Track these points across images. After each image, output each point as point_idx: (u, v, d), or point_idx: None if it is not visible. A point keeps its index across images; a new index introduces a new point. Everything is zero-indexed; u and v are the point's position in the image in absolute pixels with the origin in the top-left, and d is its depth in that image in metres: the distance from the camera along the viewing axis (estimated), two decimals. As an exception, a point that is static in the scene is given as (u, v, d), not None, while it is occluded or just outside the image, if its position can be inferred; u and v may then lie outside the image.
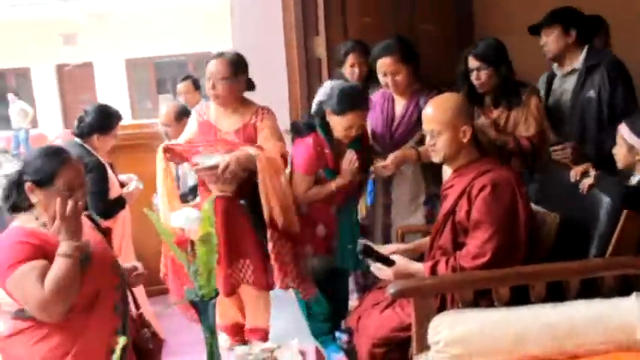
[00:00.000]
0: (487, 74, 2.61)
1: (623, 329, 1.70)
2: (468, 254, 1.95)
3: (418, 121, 2.47)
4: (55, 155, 1.74)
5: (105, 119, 2.86)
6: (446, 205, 2.12)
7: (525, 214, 1.98)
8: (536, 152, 2.60)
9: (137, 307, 2.00)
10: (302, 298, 2.61)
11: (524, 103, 2.62)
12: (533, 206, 2.26)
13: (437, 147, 2.07)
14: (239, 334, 2.63)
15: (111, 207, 2.78)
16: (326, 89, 3.10)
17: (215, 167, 2.32)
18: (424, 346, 1.81)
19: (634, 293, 1.81)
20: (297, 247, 2.51)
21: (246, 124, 2.51)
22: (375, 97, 2.79)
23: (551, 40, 2.69)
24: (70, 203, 1.63)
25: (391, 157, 2.58)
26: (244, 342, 2.50)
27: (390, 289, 1.85)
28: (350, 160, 2.52)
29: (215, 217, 1.76)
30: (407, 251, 2.26)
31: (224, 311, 2.63)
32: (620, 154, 2.13)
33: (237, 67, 2.48)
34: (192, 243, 1.69)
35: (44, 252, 1.65)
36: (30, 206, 1.74)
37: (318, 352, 2.10)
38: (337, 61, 3.19)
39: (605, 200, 2.03)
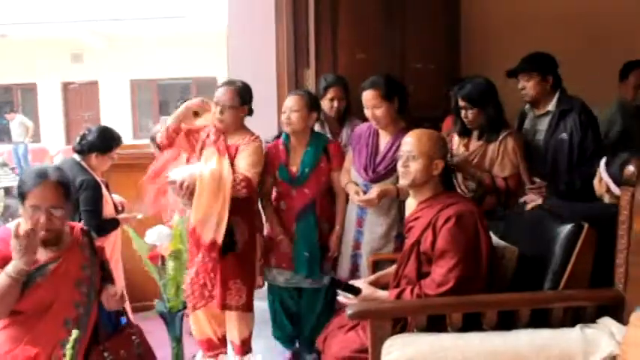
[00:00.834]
0: (473, 114, 2.76)
1: (564, 358, 1.80)
2: (433, 282, 2.04)
3: None
4: (34, 176, 1.91)
5: (106, 140, 3.00)
6: (412, 236, 2.22)
7: (487, 246, 2.09)
8: (510, 193, 2.72)
9: (130, 325, 2.08)
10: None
11: (501, 143, 2.74)
12: (496, 240, 2.38)
13: (409, 169, 2.17)
14: (212, 348, 2.72)
15: (104, 225, 2.86)
16: None
17: (176, 182, 2.45)
18: (378, 367, 1.91)
19: (578, 325, 1.92)
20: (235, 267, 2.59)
21: (231, 145, 2.70)
22: (362, 128, 2.91)
23: (530, 86, 2.87)
24: (24, 225, 1.80)
25: (375, 191, 2.67)
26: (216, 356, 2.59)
27: (348, 311, 1.96)
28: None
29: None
30: (371, 283, 2.33)
31: (200, 327, 2.73)
32: (595, 184, 2.32)
33: (244, 96, 2.74)
34: (163, 258, 1.81)
35: (6, 261, 1.81)
36: None
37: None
38: (317, 93, 3.26)
39: (561, 236, 2.14)
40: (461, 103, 2.79)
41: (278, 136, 2.99)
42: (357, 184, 2.80)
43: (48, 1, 10.37)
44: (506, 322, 1.99)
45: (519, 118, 3.11)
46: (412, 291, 2.07)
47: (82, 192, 2.85)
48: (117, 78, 12.22)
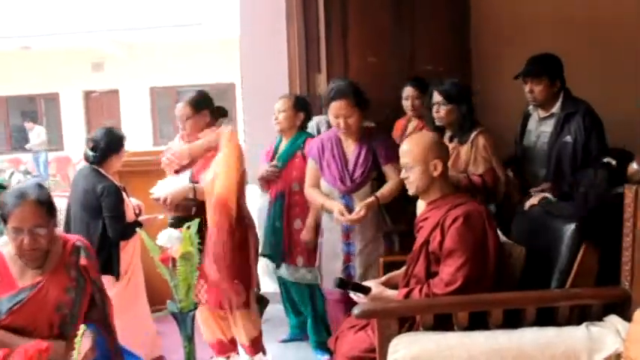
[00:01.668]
0: (446, 110, 2.80)
1: (570, 356, 1.82)
2: (441, 281, 2.07)
3: (373, 162, 2.73)
4: (14, 197, 1.88)
5: (117, 140, 3.07)
6: (421, 236, 2.25)
7: (494, 245, 2.10)
8: (488, 189, 2.74)
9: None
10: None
11: (472, 142, 2.77)
12: (503, 239, 2.40)
13: (410, 180, 2.22)
14: (223, 351, 2.78)
15: (128, 229, 2.94)
16: (313, 124, 3.34)
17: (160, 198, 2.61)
18: (385, 365, 1.94)
19: (584, 323, 1.93)
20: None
21: None
22: (319, 140, 2.90)
23: (539, 90, 2.87)
24: (10, 246, 1.87)
25: (362, 210, 2.67)
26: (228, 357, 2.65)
27: (355, 311, 1.99)
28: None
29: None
30: (381, 284, 2.35)
31: (211, 329, 2.80)
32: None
33: (198, 104, 2.78)
34: (174, 260, 1.87)
35: None
36: None
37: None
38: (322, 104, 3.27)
39: (567, 235, 2.15)
40: (437, 98, 2.82)
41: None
42: (329, 196, 2.81)
43: (68, 12, 10.59)
44: (513, 320, 2.01)
45: (522, 119, 3.12)
46: (421, 290, 2.10)
47: (104, 199, 2.93)
48: (137, 86, 12.45)
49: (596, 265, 2.10)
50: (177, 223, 2.32)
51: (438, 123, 2.87)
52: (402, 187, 2.61)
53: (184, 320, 1.91)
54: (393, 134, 3.43)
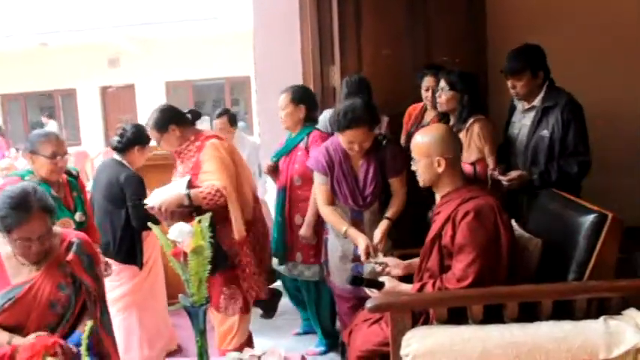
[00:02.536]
0: (447, 97, 2.90)
1: (587, 350, 1.79)
2: (453, 277, 2.04)
3: (382, 176, 2.71)
4: (17, 209, 1.84)
5: (142, 134, 3.13)
6: (433, 229, 2.22)
7: (507, 239, 2.06)
8: (479, 178, 2.74)
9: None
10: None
11: (468, 130, 2.81)
12: (520, 231, 2.36)
13: (418, 172, 2.21)
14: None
15: (150, 218, 2.95)
16: (325, 117, 3.32)
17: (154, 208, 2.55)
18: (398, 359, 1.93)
19: (602, 317, 1.90)
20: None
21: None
22: (325, 154, 2.76)
23: (521, 85, 2.81)
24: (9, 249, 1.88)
25: (381, 240, 2.62)
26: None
27: (368, 304, 1.98)
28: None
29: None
30: (405, 267, 2.38)
31: None
32: None
33: (162, 127, 2.68)
34: (186, 254, 1.87)
35: None
36: None
37: (303, 360, 2.22)
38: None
39: (585, 226, 2.11)
40: (442, 83, 2.93)
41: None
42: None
43: (84, 8, 10.65)
44: (529, 314, 1.98)
45: (509, 110, 3.09)
46: (434, 285, 2.08)
47: (128, 187, 3.01)
48: (152, 80, 12.50)
49: (616, 256, 2.06)
50: None
51: (439, 108, 2.97)
52: (407, 200, 2.72)
53: (196, 314, 1.91)
54: (404, 120, 3.41)
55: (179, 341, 3.50)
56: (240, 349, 2.51)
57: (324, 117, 3.33)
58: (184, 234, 1.82)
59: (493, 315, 1.99)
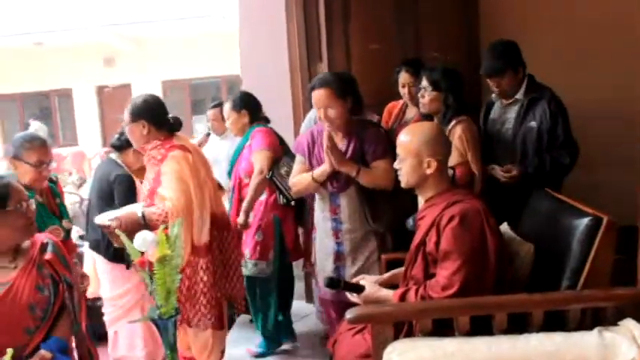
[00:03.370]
0: (430, 97, 2.75)
1: (579, 364, 1.67)
2: (437, 285, 1.93)
3: (361, 159, 2.58)
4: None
5: None
6: (417, 236, 2.11)
7: (494, 245, 1.95)
8: (458, 183, 2.59)
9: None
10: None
11: (450, 131, 2.66)
12: (510, 233, 2.25)
13: (401, 172, 2.08)
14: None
15: None
16: (310, 116, 3.30)
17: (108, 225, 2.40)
18: (380, 373, 1.81)
19: (597, 328, 1.78)
20: None
21: None
22: (313, 133, 2.73)
23: (505, 83, 2.80)
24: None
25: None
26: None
27: (348, 315, 1.86)
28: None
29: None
30: (383, 282, 2.23)
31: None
32: None
33: (137, 112, 2.55)
34: (151, 264, 1.76)
35: None
36: None
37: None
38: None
39: (579, 229, 1.98)
40: (424, 82, 2.77)
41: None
42: (323, 196, 2.70)
43: (79, 7, 10.57)
44: (519, 325, 1.86)
45: (486, 108, 3.03)
46: (417, 292, 1.96)
47: (116, 186, 3.03)
48: (148, 79, 12.36)
49: (612, 262, 1.94)
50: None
51: (422, 109, 2.82)
52: (385, 181, 2.53)
53: (165, 327, 1.80)
54: (384, 118, 3.29)
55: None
56: None
57: (310, 117, 3.28)
58: (147, 243, 1.71)
59: (481, 326, 1.87)
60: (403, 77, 3.12)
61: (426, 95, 2.76)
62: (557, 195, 2.33)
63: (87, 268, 3.18)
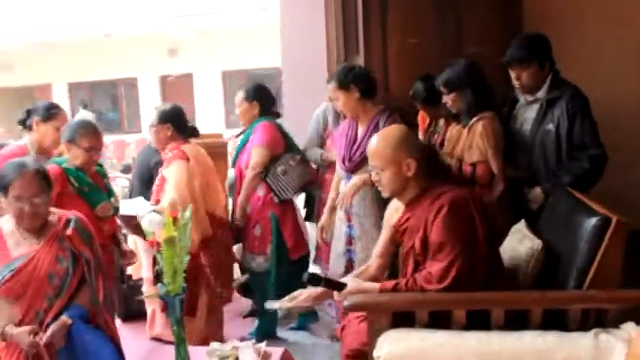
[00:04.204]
0: (451, 99, 2.69)
1: (570, 365, 1.65)
2: (431, 276, 1.90)
3: None
4: (13, 168, 2.00)
5: None
6: (407, 242, 2.07)
7: (484, 232, 1.92)
8: (479, 182, 2.54)
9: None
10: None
11: (471, 128, 2.59)
12: (521, 229, 2.23)
13: (382, 183, 2.06)
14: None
15: None
16: (319, 110, 3.38)
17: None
18: (372, 361, 1.85)
19: (594, 330, 1.75)
20: None
21: None
22: (343, 125, 2.94)
23: (527, 76, 2.61)
24: (9, 221, 2.02)
25: (347, 189, 2.71)
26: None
27: (345, 303, 1.91)
28: None
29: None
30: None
31: None
32: None
33: (165, 116, 2.89)
34: (159, 244, 1.87)
35: None
36: None
37: (286, 354, 2.18)
38: None
39: (586, 230, 1.94)
40: (442, 89, 2.72)
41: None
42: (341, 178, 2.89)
43: (145, 0, 11.03)
44: (518, 322, 1.85)
45: (510, 104, 2.85)
46: (407, 284, 1.94)
47: (155, 172, 3.10)
48: (209, 70, 12.76)
49: (620, 264, 1.89)
50: None
51: (453, 111, 2.76)
52: None
53: (173, 304, 1.92)
54: (419, 120, 3.28)
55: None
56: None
57: (319, 111, 3.39)
58: (154, 224, 1.82)
59: (480, 322, 1.87)
60: (421, 115, 3.22)
61: (449, 100, 2.72)
62: (576, 194, 2.27)
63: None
